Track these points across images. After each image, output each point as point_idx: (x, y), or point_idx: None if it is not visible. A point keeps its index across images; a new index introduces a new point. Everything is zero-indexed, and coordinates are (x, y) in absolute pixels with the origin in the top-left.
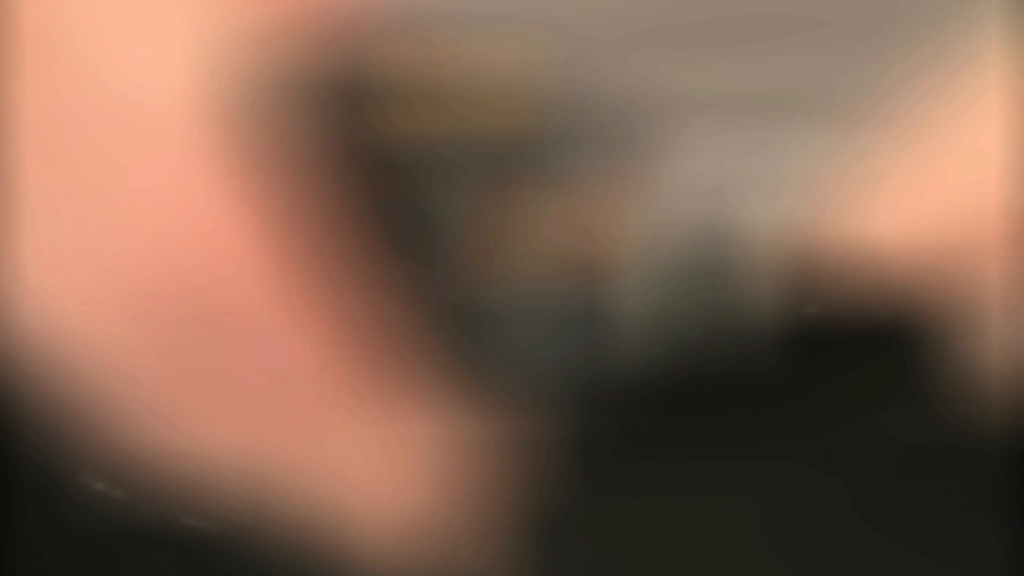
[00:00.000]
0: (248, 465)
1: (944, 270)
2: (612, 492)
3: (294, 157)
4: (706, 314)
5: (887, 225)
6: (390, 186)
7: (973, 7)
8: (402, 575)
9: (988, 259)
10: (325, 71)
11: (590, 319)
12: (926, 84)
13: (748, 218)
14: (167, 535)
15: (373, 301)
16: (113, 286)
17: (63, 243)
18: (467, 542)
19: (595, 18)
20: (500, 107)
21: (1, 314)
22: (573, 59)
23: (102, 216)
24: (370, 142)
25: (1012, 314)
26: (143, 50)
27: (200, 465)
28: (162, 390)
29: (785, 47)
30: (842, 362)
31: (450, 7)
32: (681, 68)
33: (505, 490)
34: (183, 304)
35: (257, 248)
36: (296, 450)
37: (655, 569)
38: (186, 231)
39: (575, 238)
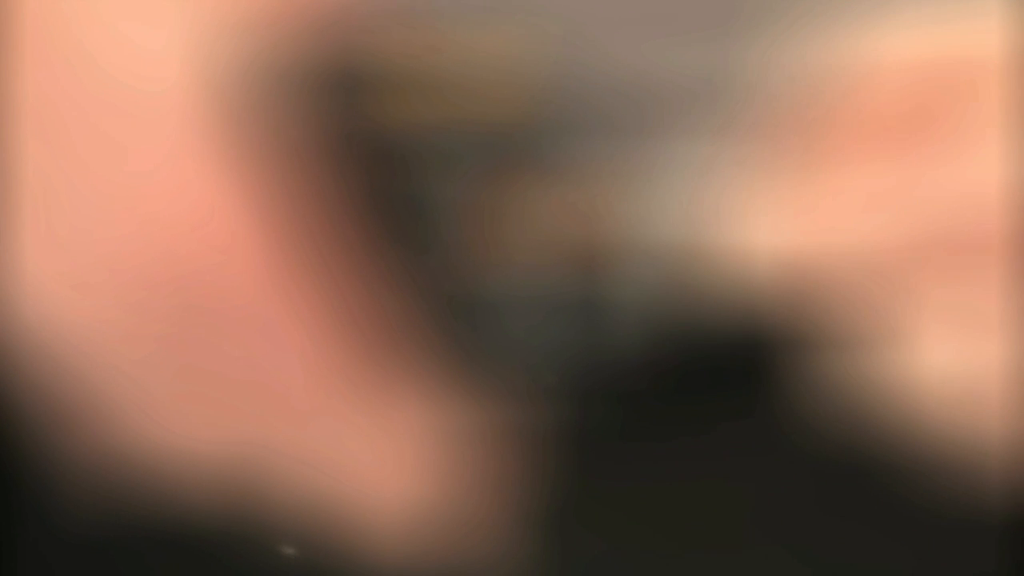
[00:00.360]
0: (242, 454)
1: (948, 272)
2: (609, 478)
3: (290, 144)
4: (698, 301)
5: (878, 220)
6: (386, 174)
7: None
8: (403, 562)
9: (985, 257)
10: (321, 58)
11: (586, 307)
12: (919, 87)
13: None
14: (164, 530)
15: (369, 289)
16: (108, 272)
17: (59, 228)
18: (465, 529)
19: (592, 5)
20: (496, 95)
21: None
22: (569, 46)
23: (98, 201)
24: (366, 130)
25: (1005, 320)
26: (140, 36)
27: (194, 455)
28: (156, 378)
29: (782, 29)
30: (835, 348)
31: None
32: (678, 53)
33: (503, 477)
34: (178, 291)
35: (252, 235)
36: (290, 439)
37: (655, 553)
38: (181, 218)
39: (571, 226)
